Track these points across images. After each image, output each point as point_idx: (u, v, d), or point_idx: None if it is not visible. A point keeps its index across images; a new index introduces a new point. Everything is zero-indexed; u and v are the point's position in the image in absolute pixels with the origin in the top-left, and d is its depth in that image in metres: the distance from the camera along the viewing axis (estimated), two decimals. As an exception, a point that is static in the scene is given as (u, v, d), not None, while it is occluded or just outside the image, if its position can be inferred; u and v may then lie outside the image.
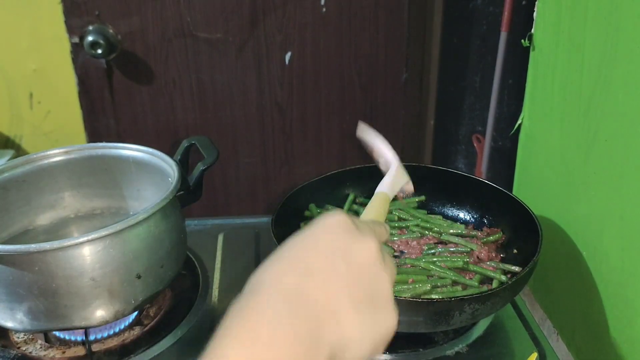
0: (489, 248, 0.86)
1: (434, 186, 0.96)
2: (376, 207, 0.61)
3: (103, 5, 1.35)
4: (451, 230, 0.89)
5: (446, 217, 0.94)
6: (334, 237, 0.41)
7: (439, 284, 0.78)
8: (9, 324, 0.72)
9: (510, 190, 0.94)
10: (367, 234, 0.42)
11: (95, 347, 0.78)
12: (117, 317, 0.74)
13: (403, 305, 0.67)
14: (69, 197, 0.91)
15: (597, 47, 0.75)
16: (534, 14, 0.91)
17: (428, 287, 0.77)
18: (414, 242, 0.88)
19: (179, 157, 0.87)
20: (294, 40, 1.45)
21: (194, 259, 0.97)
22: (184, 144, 0.88)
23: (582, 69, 0.78)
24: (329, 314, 0.37)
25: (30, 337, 0.81)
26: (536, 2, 0.90)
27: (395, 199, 0.99)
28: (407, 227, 0.91)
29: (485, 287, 0.80)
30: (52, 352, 0.78)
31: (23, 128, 1.47)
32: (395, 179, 0.70)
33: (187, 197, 0.84)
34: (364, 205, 0.96)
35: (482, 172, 1.57)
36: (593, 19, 0.75)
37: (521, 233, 0.85)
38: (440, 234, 0.89)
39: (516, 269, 0.81)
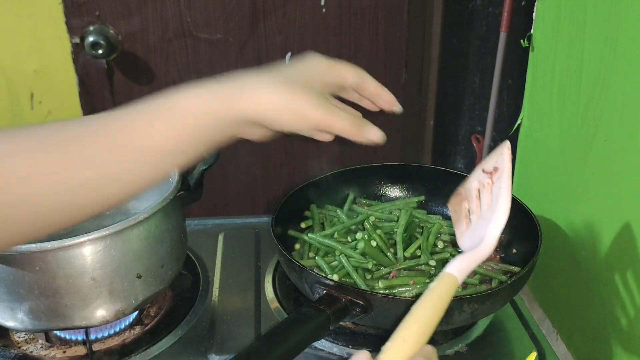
0: (489, 248, 0.86)
1: (434, 186, 0.97)
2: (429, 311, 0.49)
3: (103, 5, 1.35)
4: (451, 231, 0.89)
5: (446, 217, 0.94)
6: None
7: (438, 283, 0.78)
8: (9, 323, 0.72)
9: (510, 190, 0.94)
10: None
11: (95, 347, 0.78)
12: (118, 316, 0.75)
13: (403, 305, 0.67)
14: (69, 197, 0.91)
15: (596, 47, 0.75)
16: (533, 14, 0.91)
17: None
18: (414, 242, 0.88)
19: (179, 157, 0.87)
20: (294, 40, 1.46)
21: (194, 259, 0.97)
22: (185, 144, 0.88)
23: (581, 69, 0.79)
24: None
25: (31, 336, 0.81)
26: (535, 3, 0.90)
27: (395, 199, 0.99)
28: (406, 227, 0.91)
29: (484, 287, 0.80)
30: (52, 352, 0.78)
31: (23, 128, 1.47)
32: (475, 259, 0.52)
33: (187, 197, 0.84)
34: (363, 205, 0.96)
35: (481, 172, 1.57)
36: (592, 20, 0.75)
37: (521, 233, 0.85)
38: (440, 234, 0.89)
39: (515, 269, 0.82)
